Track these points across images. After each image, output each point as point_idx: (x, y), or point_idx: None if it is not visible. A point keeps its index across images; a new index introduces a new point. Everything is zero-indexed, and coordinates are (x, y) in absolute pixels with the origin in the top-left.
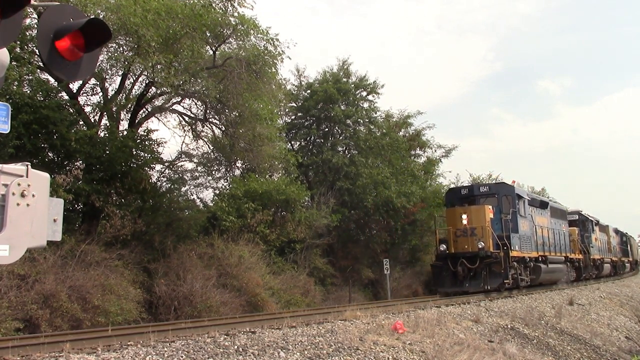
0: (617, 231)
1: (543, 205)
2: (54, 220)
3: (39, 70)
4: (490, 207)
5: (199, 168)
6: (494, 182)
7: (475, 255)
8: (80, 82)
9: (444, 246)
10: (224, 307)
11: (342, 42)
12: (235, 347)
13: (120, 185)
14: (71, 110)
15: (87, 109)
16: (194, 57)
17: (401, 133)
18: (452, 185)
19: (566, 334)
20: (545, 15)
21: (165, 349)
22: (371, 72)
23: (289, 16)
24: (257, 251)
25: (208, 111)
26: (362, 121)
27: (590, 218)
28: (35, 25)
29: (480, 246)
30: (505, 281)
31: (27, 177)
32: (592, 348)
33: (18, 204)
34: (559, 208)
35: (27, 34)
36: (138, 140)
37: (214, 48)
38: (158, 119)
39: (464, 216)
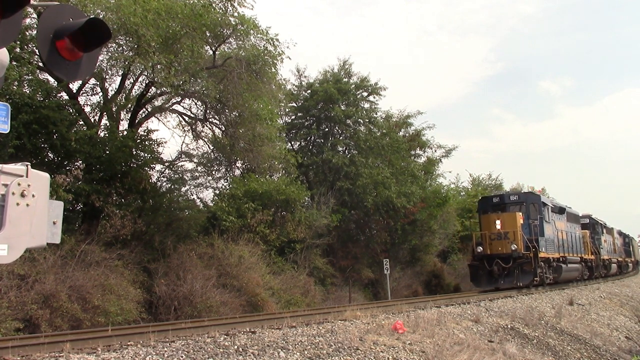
0: (620, 233)
1: (561, 211)
2: (54, 223)
3: (39, 70)
4: (521, 213)
5: (199, 168)
6: (522, 191)
7: (509, 256)
8: (80, 82)
9: (481, 248)
10: (224, 307)
11: (344, 42)
12: (235, 347)
13: (120, 185)
14: (71, 110)
15: (87, 109)
16: (194, 57)
17: (401, 133)
18: (453, 186)
19: (566, 334)
20: (546, 15)
21: (165, 349)
22: (372, 72)
23: (290, 16)
24: (257, 251)
25: (208, 111)
26: (362, 121)
27: (599, 221)
28: (35, 25)
29: (513, 248)
30: (534, 279)
31: (27, 177)
32: (592, 348)
33: (18, 204)
34: (573, 213)
35: (27, 34)
36: (138, 140)
37: (213, 48)
38: (158, 119)
39: (498, 222)
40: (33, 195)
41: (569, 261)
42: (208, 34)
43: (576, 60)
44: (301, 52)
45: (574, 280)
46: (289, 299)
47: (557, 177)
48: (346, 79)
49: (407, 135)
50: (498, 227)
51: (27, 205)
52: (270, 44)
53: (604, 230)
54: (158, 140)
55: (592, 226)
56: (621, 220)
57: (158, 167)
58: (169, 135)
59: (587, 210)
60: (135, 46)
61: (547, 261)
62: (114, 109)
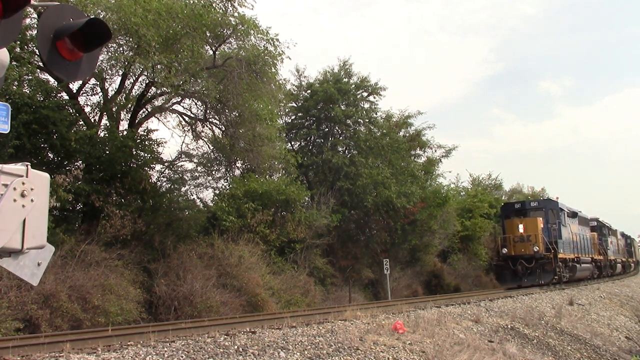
0: (623, 234)
1: (574, 215)
2: (38, 264)
3: (39, 70)
4: (541, 218)
5: (199, 168)
6: (541, 198)
7: (531, 256)
8: (80, 82)
9: (505, 250)
10: (224, 307)
11: (344, 42)
12: (235, 347)
13: (120, 185)
14: (71, 110)
15: (87, 109)
16: (194, 57)
17: (401, 133)
18: (453, 186)
19: (566, 334)
20: (547, 16)
21: (165, 349)
22: (373, 72)
23: (290, 16)
24: (257, 251)
25: (208, 111)
26: (362, 121)
27: (606, 224)
28: (35, 25)
29: (535, 250)
30: (554, 277)
31: (27, 177)
32: (592, 348)
33: (15, 200)
34: (583, 217)
35: (27, 34)
36: (138, 140)
37: (214, 48)
38: (158, 119)
39: (521, 226)
40: (32, 200)
41: (582, 261)
42: (208, 34)
43: (576, 60)
44: (301, 52)
45: (585, 279)
46: (289, 299)
47: (557, 177)
48: (346, 79)
49: (407, 135)
50: (521, 230)
51: (23, 206)
52: (271, 44)
53: (610, 232)
54: (158, 140)
55: (600, 229)
56: (621, 220)
57: (158, 167)
58: (169, 135)
59: (587, 210)
60: (136, 46)
61: (564, 261)
62: (114, 109)
